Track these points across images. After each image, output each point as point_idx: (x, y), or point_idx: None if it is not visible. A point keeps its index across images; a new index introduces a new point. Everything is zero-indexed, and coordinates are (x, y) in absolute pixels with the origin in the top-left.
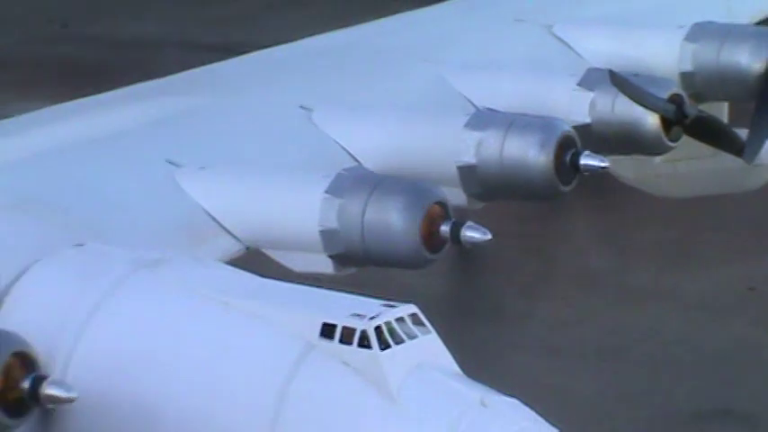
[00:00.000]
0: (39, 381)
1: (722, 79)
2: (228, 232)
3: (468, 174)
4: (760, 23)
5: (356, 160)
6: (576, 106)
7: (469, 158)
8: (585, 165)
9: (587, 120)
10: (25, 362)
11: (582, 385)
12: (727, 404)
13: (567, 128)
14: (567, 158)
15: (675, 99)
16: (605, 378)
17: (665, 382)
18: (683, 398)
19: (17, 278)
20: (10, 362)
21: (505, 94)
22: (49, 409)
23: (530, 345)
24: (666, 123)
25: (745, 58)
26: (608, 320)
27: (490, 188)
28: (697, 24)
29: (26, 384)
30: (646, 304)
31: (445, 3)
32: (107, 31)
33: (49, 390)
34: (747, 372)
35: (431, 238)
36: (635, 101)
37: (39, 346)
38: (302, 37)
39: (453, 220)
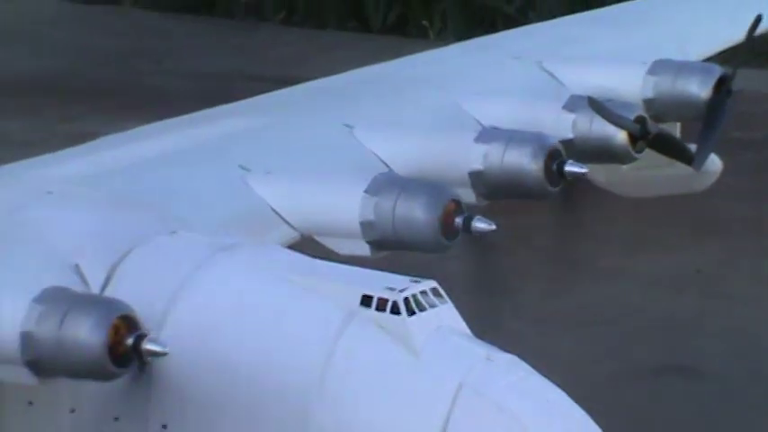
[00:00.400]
0: (139, 338)
1: (676, 104)
2: (287, 222)
3: (476, 178)
4: (706, 60)
5: (388, 166)
6: (561, 125)
7: (478, 166)
8: (569, 171)
9: (570, 135)
10: (129, 323)
11: (563, 346)
12: (680, 361)
13: (554, 142)
14: (554, 166)
15: (640, 120)
16: (581, 340)
17: (629, 344)
18: (644, 356)
19: (124, 257)
20: (117, 323)
21: (505, 115)
22: (146, 361)
23: (521, 314)
24: (633, 138)
25: (695, 88)
26: (583, 295)
27: (494, 189)
28: (657, 61)
29: (130, 341)
30: (613, 282)
31: (457, 44)
32: (191, 67)
33: (147, 345)
34: (695, 335)
35: (447, 229)
36: (608, 120)
37: (140, 311)
38: (346, 71)
39: (465, 214)
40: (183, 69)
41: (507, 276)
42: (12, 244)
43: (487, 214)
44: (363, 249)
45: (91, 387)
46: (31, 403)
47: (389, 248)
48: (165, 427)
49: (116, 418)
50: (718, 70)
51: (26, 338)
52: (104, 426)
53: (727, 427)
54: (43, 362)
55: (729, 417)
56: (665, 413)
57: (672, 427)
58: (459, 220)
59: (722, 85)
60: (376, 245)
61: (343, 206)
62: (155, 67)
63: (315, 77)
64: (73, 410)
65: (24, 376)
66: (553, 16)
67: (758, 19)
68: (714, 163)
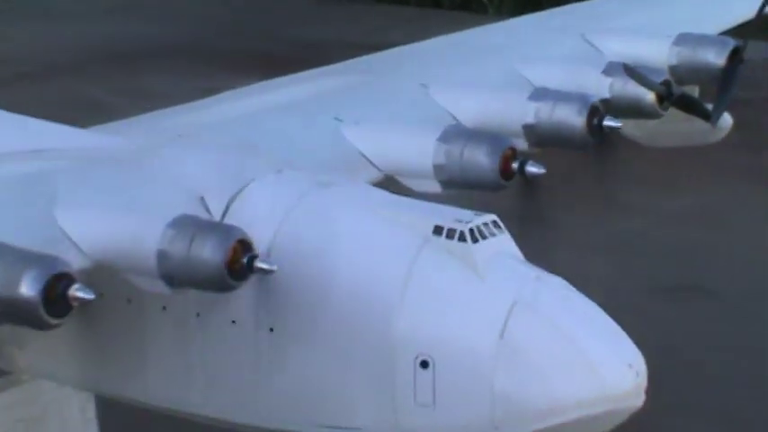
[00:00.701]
0: (252, 258)
1: (696, 70)
2: (373, 164)
3: (529, 130)
4: (722, 34)
5: (456, 119)
6: (600, 87)
7: (530, 119)
8: (607, 125)
9: (607, 95)
10: (244, 246)
11: (597, 268)
12: (688, 281)
13: (595, 100)
14: (595, 121)
15: (666, 83)
16: (611, 263)
17: (649, 266)
18: (664, 277)
19: (240, 191)
20: (235, 245)
21: (553, 77)
22: (258, 277)
23: (564, 241)
24: (660, 98)
25: (712, 57)
26: (613, 226)
27: (543, 139)
28: (680, 34)
29: (245, 260)
30: (638, 216)
31: (512, 19)
32: (299, 35)
33: (259, 264)
34: (701, 259)
35: (505, 171)
36: (639, 83)
37: (253, 236)
38: (422, 39)
39: (520, 159)
40: (288, 38)
41: (553, 211)
42: (149, 179)
43: (538, 160)
44: (435, 187)
45: (213, 296)
46: (164, 308)
47: (457, 187)
48: (271, 330)
49: (233, 322)
50: (732, 42)
51: (161, 256)
52: (223, 327)
53: (721, 325)
54: (174, 275)
55: (725, 319)
56: (677, 317)
57: (680, 328)
58: (515, 165)
59: (735, 55)
60: (445, 184)
61: (419, 151)
62: (265, 34)
63: (397, 44)
64: (198, 315)
65: (159, 287)
66: None
67: (764, 5)
68: (726, 120)
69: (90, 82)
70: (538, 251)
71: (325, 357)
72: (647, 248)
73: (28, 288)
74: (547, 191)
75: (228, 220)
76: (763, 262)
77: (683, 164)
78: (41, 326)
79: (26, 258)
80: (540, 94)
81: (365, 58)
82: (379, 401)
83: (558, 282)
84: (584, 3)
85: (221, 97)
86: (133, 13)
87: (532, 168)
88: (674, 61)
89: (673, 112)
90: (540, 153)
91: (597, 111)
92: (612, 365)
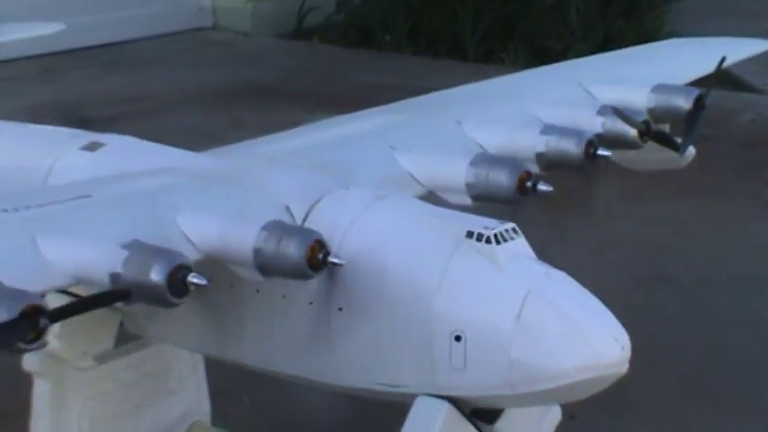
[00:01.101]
0: (326, 254)
1: (668, 112)
2: (419, 182)
3: (540, 157)
4: (689, 84)
5: (483, 148)
6: (594, 124)
7: (541, 149)
8: (600, 154)
9: (600, 131)
10: (321, 244)
11: (586, 263)
12: (658, 273)
13: (591, 135)
14: (591, 150)
15: (645, 122)
16: (597, 259)
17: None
18: (636, 269)
19: (316, 203)
20: (313, 244)
21: (558, 117)
22: (331, 269)
23: (561, 242)
24: (641, 134)
25: (681, 102)
26: (599, 229)
27: (551, 164)
28: (656, 84)
29: (320, 256)
30: (620, 222)
31: (525, 71)
32: (357, 80)
33: (331, 259)
34: (671, 256)
35: (521, 189)
36: (625, 122)
37: (327, 237)
38: (453, 86)
39: (533, 179)
40: (349, 81)
41: (555, 218)
42: (247, 192)
43: (547, 180)
44: (466, 201)
45: (296, 282)
46: (258, 291)
47: (483, 201)
48: (340, 309)
49: (311, 303)
50: (696, 91)
51: (256, 252)
52: (303, 306)
53: (683, 308)
54: (266, 266)
55: (685, 304)
56: (649, 301)
57: (653, 310)
58: (529, 184)
59: (699, 101)
60: (474, 198)
61: (454, 173)
62: (331, 79)
63: (434, 89)
64: (284, 296)
65: (254, 275)
66: (584, 55)
67: (722, 59)
68: (690, 151)
69: (201, 115)
70: (543, 251)
71: (381, 331)
72: (625, 247)
73: (156, 275)
74: (553, 203)
75: (308, 225)
76: (712, 257)
77: (656, 183)
78: (165, 304)
79: (155, 252)
80: (548, 129)
81: (410, 99)
82: (421, 366)
83: (561, 275)
84: (581, 59)
85: (300, 129)
86: (231, 63)
87: (543, 187)
88: (651, 105)
89: (650, 144)
90: (547, 175)
91: (592, 143)
92: (603, 340)
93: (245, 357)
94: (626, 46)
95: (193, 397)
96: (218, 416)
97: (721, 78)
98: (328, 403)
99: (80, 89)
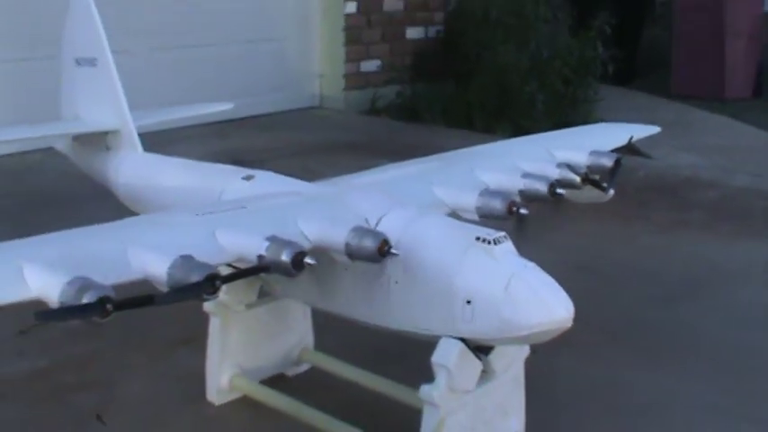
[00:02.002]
0: (389, 248)
1: (599, 168)
2: (447, 205)
3: (520, 192)
4: (612, 151)
5: (487, 186)
6: (554, 173)
7: (522, 187)
8: (558, 191)
9: (558, 178)
10: (386, 242)
11: (544, 258)
12: (591, 266)
13: (552, 179)
14: (553, 189)
15: (584, 173)
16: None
17: (569, 257)
18: (573, 263)
19: (383, 215)
20: (381, 241)
21: (533, 168)
22: (391, 257)
23: (531, 246)
24: (583, 180)
25: (606, 161)
26: (555, 241)
27: (528, 197)
28: (592, 150)
29: (386, 248)
30: (569, 235)
31: (513, 138)
32: (405, 141)
33: (392, 251)
34: (601, 255)
35: (510, 212)
36: (573, 173)
37: (389, 237)
38: (464, 147)
39: (518, 205)
40: (403, 143)
41: (527, 232)
42: (341, 207)
43: (526, 206)
44: (475, 218)
45: (370, 264)
46: (346, 269)
47: (486, 218)
48: (396, 282)
49: (379, 277)
50: (615, 155)
51: (347, 245)
52: (374, 279)
53: (602, 288)
54: (352, 254)
55: (604, 285)
56: (581, 283)
57: (584, 288)
58: (514, 209)
59: (617, 162)
60: (480, 216)
61: (469, 200)
62: (390, 140)
63: (455, 148)
64: (363, 272)
65: (345, 260)
66: (547, 130)
67: (631, 137)
68: (611, 192)
69: (311, 160)
70: (520, 249)
71: (421, 296)
72: (567, 249)
73: (285, 257)
74: (528, 223)
75: (378, 229)
76: (620, 256)
77: (589, 210)
78: (290, 275)
79: (285, 243)
80: (526, 175)
81: (441, 154)
82: (445, 318)
83: (533, 264)
84: (546, 133)
85: (373, 170)
86: (330, 129)
87: (523, 211)
88: (588, 163)
89: (587, 187)
90: (526, 203)
91: (554, 184)
92: (557, 306)
93: (336, 308)
94: (573, 126)
95: (303, 332)
96: (318, 345)
97: (629, 148)
98: (386, 339)
99: (240, 143)
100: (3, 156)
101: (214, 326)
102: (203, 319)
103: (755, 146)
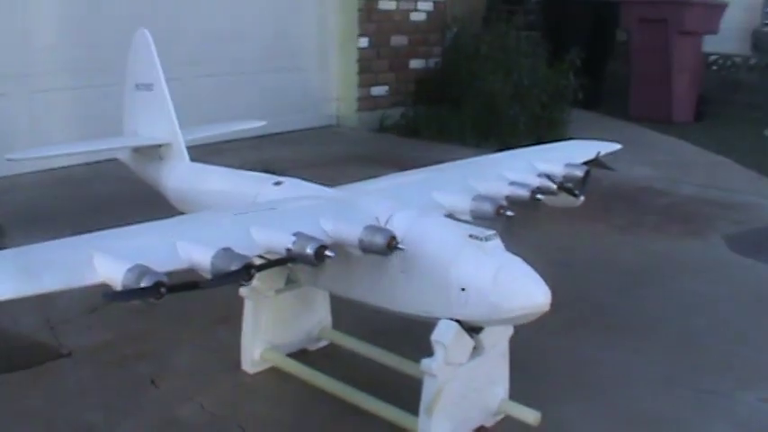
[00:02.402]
0: (397, 243)
1: (572, 178)
2: (445, 208)
3: (507, 198)
4: (583, 163)
5: (479, 192)
6: (535, 182)
7: (508, 193)
8: (538, 197)
9: (538, 185)
10: (393, 237)
11: (526, 255)
12: (564, 260)
13: (534, 187)
14: (534, 194)
15: (560, 182)
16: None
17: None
18: (550, 258)
19: (391, 216)
20: (390, 237)
21: (518, 177)
22: (398, 251)
23: (514, 243)
24: (558, 188)
25: (578, 172)
26: (535, 238)
27: (513, 202)
28: (567, 162)
29: (394, 244)
30: (547, 234)
31: (501, 153)
32: (411, 155)
33: (399, 245)
34: (575, 253)
35: (498, 214)
36: (551, 182)
37: (397, 234)
38: (457, 159)
39: (506, 209)
40: (406, 156)
41: (512, 231)
42: (355, 209)
43: (511, 209)
44: (469, 219)
45: (380, 257)
46: (359, 261)
47: (478, 219)
48: (402, 272)
49: (387, 268)
50: (585, 167)
51: (360, 240)
52: (383, 270)
53: (576, 279)
54: (365, 248)
55: (577, 277)
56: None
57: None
58: (501, 211)
59: (587, 173)
60: (473, 217)
61: (463, 204)
62: (390, 153)
63: (450, 160)
64: (373, 264)
65: (359, 253)
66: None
67: (598, 152)
68: (581, 198)
69: (329, 170)
70: (507, 245)
71: (423, 284)
72: (545, 246)
73: (309, 250)
74: (511, 222)
75: (387, 227)
76: (588, 253)
77: (562, 213)
78: (313, 266)
79: (309, 239)
80: (511, 183)
81: (438, 165)
82: (443, 303)
83: (517, 258)
84: (527, 148)
85: (381, 177)
86: (345, 144)
87: (509, 213)
88: (563, 173)
89: (561, 194)
90: (512, 207)
91: (535, 191)
92: (537, 293)
93: (351, 294)
94: (549, 142)
95: (323, 313)
96: (335, 324)
97: (596, 162)
98: (392, 320)
99: (270, 155)
100: (69, 166)
101: (248, 308)
102: (239, 302)
103: (698, 161)
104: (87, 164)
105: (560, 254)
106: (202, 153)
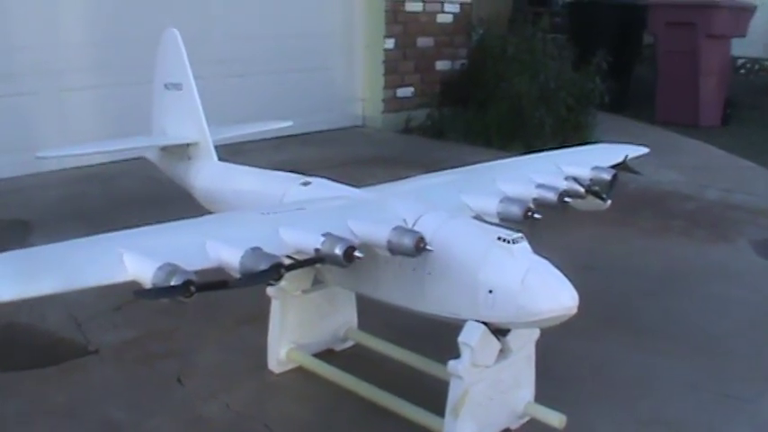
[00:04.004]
0: (425, 244)
1: (599, 181)
2: (472, 210)
3: (534, 200)
4: (610, 167)
5: (506, 194)
6: (563, 185)
7: (535, 196)
8: (566, 200)
9: (566, 188)
10: (421, 239)
11: (553, 256)
12: (588, 263)
13: (561, 190)
14: (562, 198)
15: (588, 185)
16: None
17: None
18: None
19: (419, 217)
20: (418, 239)
21: (545, 180)
22: (426, 252)
23: (541, 246)
24: (586, 191)
25: (605, 175)
26: (560, 241)
27: (540, 205)
28: (594, 165)
29: (421, 245)
30: (574, 237)
31: (526, 156)
32: (432, 156)
33: (427, 247)
34: (596, 255)
35: (526, 217)
36: (578, 185)
37: (425, 235)
38: (483, 162)
39: (534, 210)
40: (431, 158)
41: (538, 234)
42: (382, 210)
43: (540, 211)
44: (496, 221)
45: (407, 258)
46: (386, 262)
47: (505, 221)
48: (429, 273)
49: (414, 269)
50: (613, 171)
51: (388, 242)
52: (410, 271)
53: (601, 283)
54: (393, 249)
55: (602, 281)
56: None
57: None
58: (530, 214)
59: (615, 176)
60: (501, 219)
61: (491, 206)
62: (417, 155)
63: (477, 163)
64: (400, 264)
65: (386, 254)
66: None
67: (626, 156)
68: (609, 202)
69: (355, 170)
70: (534, 250)
71: (450, 286)
72: (571, 249)
73: (338, 251)
74: (538, 227)
75: (415, 229)
76: (615, 256)
77: (590, 217)
78: (341, 266)
79: (338, 239)
80: (539, 186)
81: (466, 167)
82: (470, 305)
83: (545, 261)
84: (554, 151)
85: (408, 179)
86: (371, 145)
87: (537, 215)
88: (591, 176)
89: (589, 197)
90: (539, 210)
91: (562, 194)
92: (564, 296)
93: (378, 295)
94: (575, 145)
95: (349, 314)
96: (361, 325)
97: (624, 166)
98: (418, 321)
99: (296, 155)
100: (97, 164)
101: (275, 307)
102: (265, 302)
103: (724, 165)
104: (115, 162)
105: (587, 257)
106: (226, 153)
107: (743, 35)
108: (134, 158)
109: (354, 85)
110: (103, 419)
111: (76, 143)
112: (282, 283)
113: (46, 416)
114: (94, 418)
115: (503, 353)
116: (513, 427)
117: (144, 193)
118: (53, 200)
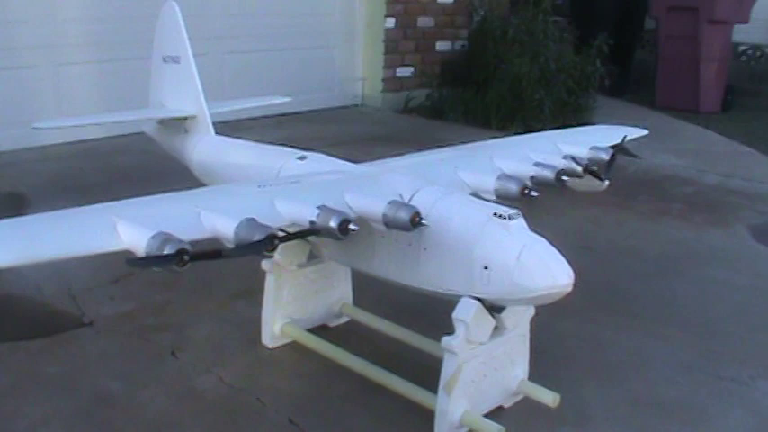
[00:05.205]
0: (420, 219)
1: (597, 160)
2: (469, 187)
3: (531, 178)
4: (609, 147)
5: (503, 171)
6: (561, 164)
7: (532, 174)
8: (564, 179)
9: (563, 168)
10: (417, 213)
11: (547, 235)
12: (585, 244)
13: (558, 168)
14: (560, 176)
15: (586, 164)
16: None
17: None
18: (574, 242)
19: (415, 192)
20: (414, 212)
21: (542, 159)
22: (421, 227)
23: (536, 225)
24: (584, 170)
25: (603, 155)
26: (556, 222)
27: (538, 183)
28: (592, 145)
29: (417, 219)
30: (569, 218)
31: (525, 135)
32: (432, 135)
33: (423, 221)
34: (594, 236)
35: (522, 194)
36: (576, 164)
37: (421, 210)
38: (482, 140)
39: (530, 188)
40: (430, 136)
41: (535, 212)
42: (379, 185)
43: (536, 190)
44: (493, 198)
45: (403, 233)
46: (383, 237)
47: (502, 199)
48: (425, 249)
49: (409, 244)
50: (611, 151)
51: (384, 216)
52: (405, 245)
53: (596, 263)
54: (389, 224)
55: (597, 261)
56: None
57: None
58: (526, 191)
59: (613, 156)
60: (497, 197)
61: (487, 183)
62: (417, 133)
63: (474, 141)
64: (396, 239)
65: (382, 228)
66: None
67: (624, 136)
68: (606, 182)
69: (353, 147)
70: (529, 226)
71: (446, 262)
72: (568, 229)
73: (333, 223)
74: (535, 204)
75: (411, 203)
76: (610, 237)
77: (587, 199)
78: (336, 239)
79: (334, 212)
80: (536, 164)
81: (463, 145)
82: (465, 281)
83: (541, 238)
84: (553, 131)
85: (405, 155)
86: (369, 124)
87: (534, 193)
88: (589, 156)
89: (587, 177)
90: (536, 188)
91: (560, 173)
92: (560, 273)
93: (372, 270)
94: (575, 126)
95: (344, 289)
96: (356, 301)
97: (621, 148)
98: (412, 297)
99: (294, 133)
100: (94, 139)
101: (269, 282)
102: (260, 276)
103: (724, 151)
104: (112, 137)
105: (584, 239)
106: (225, 130)
107: (745, 21)
108: (131, 133)
109: (354, 64)
110: (97, 391)
111: (73, 116)
112: (277, 256)
113: (39, 386)
114: (88, 390)
115: (497, 330)
116: (507, 404)
117: (141, 167)
118: (50, 173)
